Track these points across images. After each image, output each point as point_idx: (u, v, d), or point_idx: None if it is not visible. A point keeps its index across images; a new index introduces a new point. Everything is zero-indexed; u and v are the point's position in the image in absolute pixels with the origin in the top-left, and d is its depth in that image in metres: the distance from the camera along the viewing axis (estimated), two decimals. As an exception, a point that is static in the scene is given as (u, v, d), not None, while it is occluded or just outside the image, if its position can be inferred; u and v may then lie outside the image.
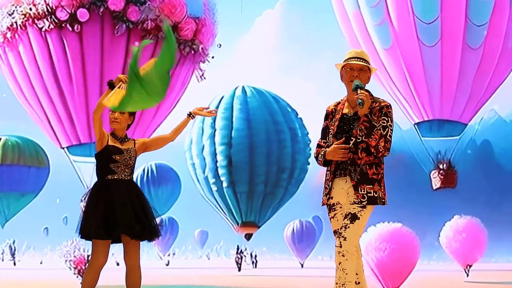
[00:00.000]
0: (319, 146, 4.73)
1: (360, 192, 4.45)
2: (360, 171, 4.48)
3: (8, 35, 15.28)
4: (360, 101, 4.44)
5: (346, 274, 4.36)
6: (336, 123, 4.62)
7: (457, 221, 16.17)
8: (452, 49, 16.56)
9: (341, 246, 4.38)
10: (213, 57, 17.21)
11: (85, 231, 4.91)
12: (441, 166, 18.01)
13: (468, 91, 17.08)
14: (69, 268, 15.67)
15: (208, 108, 5.32)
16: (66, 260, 15.75)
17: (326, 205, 4.66)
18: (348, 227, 4.41)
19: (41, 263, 43.21)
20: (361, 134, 4.48)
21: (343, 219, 4.46)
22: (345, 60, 4.67)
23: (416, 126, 17.91)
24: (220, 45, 17.39)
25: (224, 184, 21.56)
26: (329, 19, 20.98)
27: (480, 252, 16.42)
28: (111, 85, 4.86)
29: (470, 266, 16.60)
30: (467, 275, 16.47)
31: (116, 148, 4.99)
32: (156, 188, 34.71)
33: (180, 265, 36.88)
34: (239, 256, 27.17)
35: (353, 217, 4.42)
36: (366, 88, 4.64)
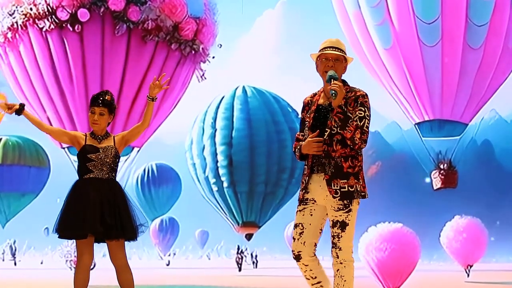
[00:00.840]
0: (297, 139, 4.54)
1: (333, 187, 4.29)
2: (335, 164, 4.31)
3: (9, 35, 15.29)
4: (333, 91, 4.25)
5: (345, 281, 4.34)
6: (312, 115, 4.45)
7: (457, 221, 16.13)
8: (452, 49, 16.55)
9: (338, 257, 4.33)
10: (213, 57, 17.22)
11: (59, 231, 4.92)
12: (441, 166, 18.00)
13: (469, 91, 17.07)
14: (70, 268, 15.73)
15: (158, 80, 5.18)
16: (66, 260, 15.82)
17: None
18: (341, 236, 4.32)
19: (41, 263, 43.20)
20: (335, 126, 4.31)
21: (332, 227, 4.35)
22: (320, 50, 4.50)
23: (416, 126, 17.90)
24: (221, 45, 17.41)
25: (225, 184, 21.55)
26: (330, 19, 21.00)
27: (481, 252, 16.39)
28: (21, 109, 5.05)
29: (471, 266, 16.57)
30: (468, 275, 16.44)
31: (92, 147, 5.01)
32: (157, 188, 34.75)
33: (181, 265, 36.89)
34: (240, 256, 27.12)
35: (343, 225, 4.31)
36: (342, 78, 4.47)
